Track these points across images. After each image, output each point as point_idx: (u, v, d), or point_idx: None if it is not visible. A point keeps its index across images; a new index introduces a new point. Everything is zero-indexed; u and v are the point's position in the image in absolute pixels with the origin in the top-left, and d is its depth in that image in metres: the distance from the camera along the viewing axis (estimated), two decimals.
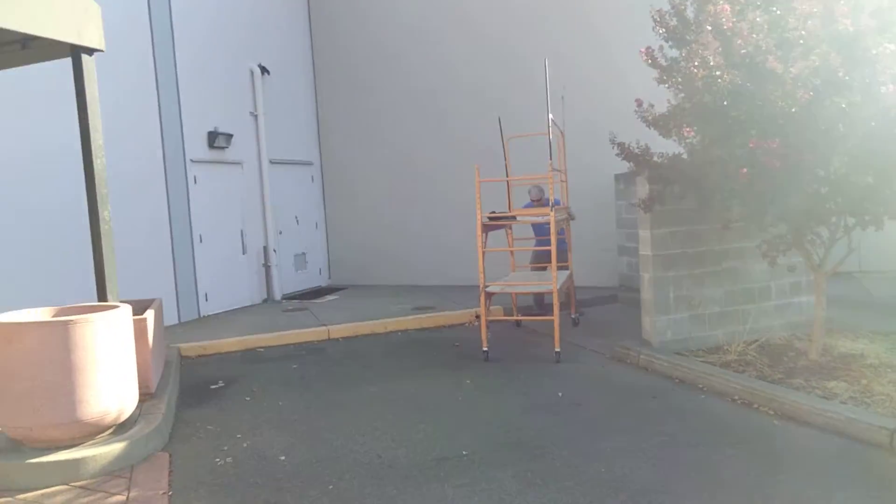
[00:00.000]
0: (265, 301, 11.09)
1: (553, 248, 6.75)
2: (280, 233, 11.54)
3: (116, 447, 4.33)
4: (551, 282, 6.83)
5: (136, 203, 8.84)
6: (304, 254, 12.21)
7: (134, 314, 4.90)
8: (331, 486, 3.95)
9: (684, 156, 6.15)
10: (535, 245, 8.60)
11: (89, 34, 4.84)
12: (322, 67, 12.57)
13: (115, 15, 8.08)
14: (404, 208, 11.82)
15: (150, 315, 5.48)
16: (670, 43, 6.30)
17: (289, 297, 11.33)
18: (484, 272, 6.76)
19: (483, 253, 6.69)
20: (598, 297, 9.65)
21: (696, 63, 5.68)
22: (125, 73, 8.69)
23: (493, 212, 7.01)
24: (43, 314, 4.62)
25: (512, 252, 8.44)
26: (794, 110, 5.05)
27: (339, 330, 8.63)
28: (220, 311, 10.18)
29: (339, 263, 12.74)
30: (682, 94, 5.96)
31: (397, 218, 11.93)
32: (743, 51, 5.26)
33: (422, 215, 11.75)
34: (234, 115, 10.56)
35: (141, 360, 5.25)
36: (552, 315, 6.81)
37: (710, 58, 5.37)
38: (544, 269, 8.37)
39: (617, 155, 6.48)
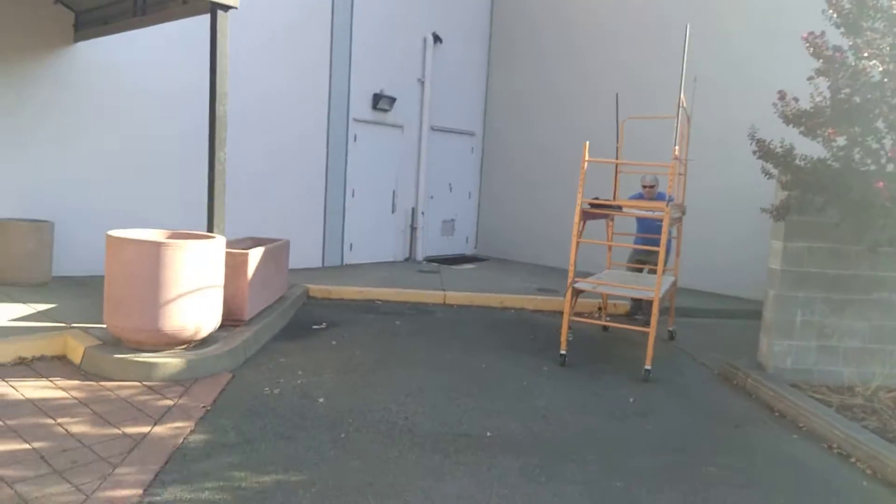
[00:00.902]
0: (407, 259, 11.57)
1: (661, 248, 5.93)
2: (431, 197, 11.91)
3: (187, 359, 4.87)
4: (652, 287, 6.13)
5: (298, 152, 9.67)
6: (452, 220, 12.48)
7: (268, 254, 5.51)
8: (343, 435, 4.11)
9: (830, 161, 5.28)
10: (637, 242, 7.76)
11: None
12: (498, 41, 12.57)
13: None
14: (556, 190, 11.52)
15: (253, 252, 6.02)
16: (842, 30, 5.39)
17: (430, 259, 11.70)
18: (575, 266, 6.10)
19: (577, 243, 6.04)
20: (740, 309, 8.74)
21: (865, 54, 4.86)
22: (305, 29, 9.46)
23: (597, 198, 6.41)
24: (152, 234, 5.29)
25: (610, 247, 7.60)
26: None
27: (456, 297, 8.76)
28: (363, 261, 10.82)
29: (487, 235, 12.85)
30: (847, 90, 5.11)
31: (548, 198, 11.68)
32: None
33: (572, 200, 11.38)
34: (401, 79, 11.01)
35: (236, 290, 5.82)
36: (647, 326, 5.94)
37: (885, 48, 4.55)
38: (641, 270, 7.68)
39: (754, 153, 5.75)
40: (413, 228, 11.62)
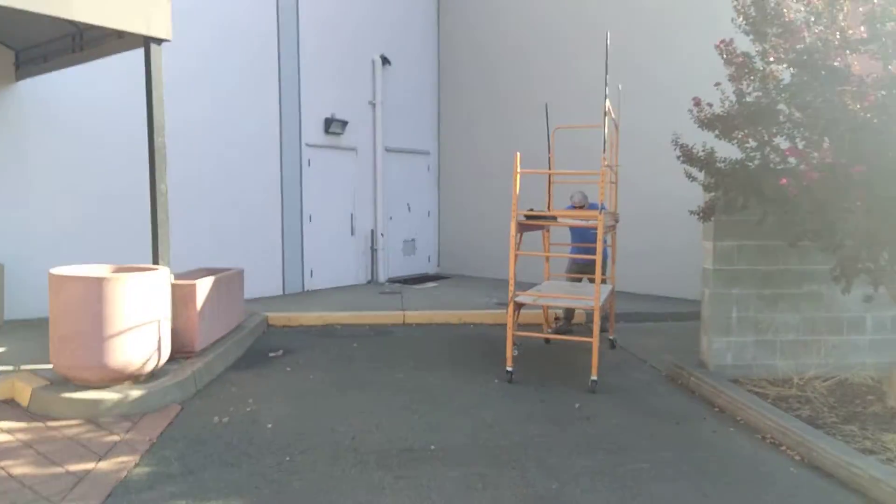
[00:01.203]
0: (369, 282, 11.67)
1: (598, 257, 6.05)
2: (391, 218, 12.05)
3: (135, 394, 4.92)
4: (591, 297, 6.16)
5: (250, 180, 9.75)
6: (413, 240, 12.63)
7: (219, 283, 5.64)
8: (287, 458, 4.19)
9: (746, 162, 5.54)
10: (572, 252, 7.92)
11: (157, 26, 5.46)
12: (448, 61, 12.84)
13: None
14: (507, 204, 11.69)
15: (201, 282, 6.09)
16: (751, 36, 5.69)
17: (393, 281, 11.82)
18: (514, 279, 6.05)
19: (515, 256, 6.01)
20: (692, 311, 8.98)
21: (772, 59, 5.15)
22: (250, 56, 9.60)
23: (532, 210, 6.53)
24: (95, 270, 5.35)
25: (547, 258, 7.78)
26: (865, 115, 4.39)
27: (415, 316, 8.89)
28: (324, 287, 10.90)
29: (448, 252, 13.01)
30: (758, 94, 5.40)
31: (501, 213, 11.82)
32: (799, 46, 4.64)
33: None
34: (351, 102, 11.18)
35: (186, 321, 5.88)
36: (590, 336, 5.91)
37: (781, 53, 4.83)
38: (580, 280, 7.83)
39: (678, 157, 6.00)
40: (374, 250, 11.74)
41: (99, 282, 4.84)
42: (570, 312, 7.93)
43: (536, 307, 6.92)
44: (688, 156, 5.90)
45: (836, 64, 4.57)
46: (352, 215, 11.42)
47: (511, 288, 6.03)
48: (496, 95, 12.04)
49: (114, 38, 5.89)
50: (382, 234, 11.78)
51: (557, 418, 5.12)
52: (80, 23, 5.21)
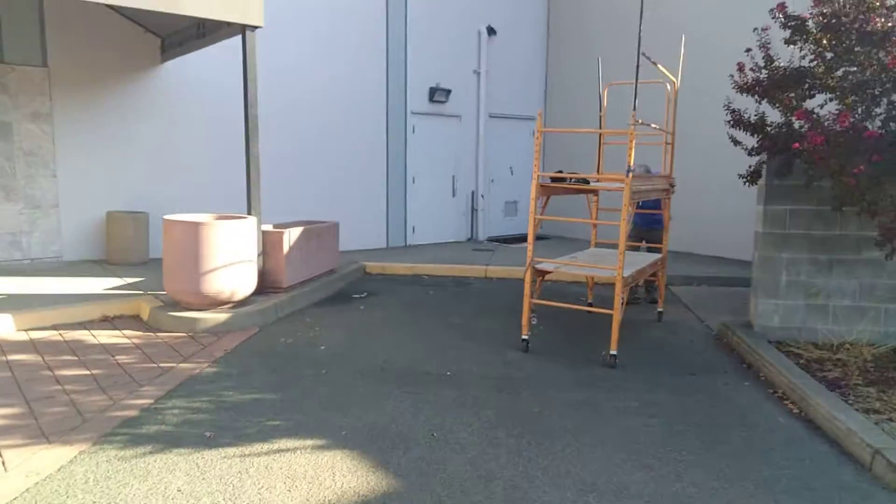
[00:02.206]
0: (468, 240, 12.39)
1: (622, 224, 5.41)
2: (492, 181, 12.64)
3: (222, 317, 6.05)
4: (615, 266, 5.53)
5: (359, 146, 10.78)
6: (515, 202, 13.12)
7: (309, 233, 6.86)
8: (324, 371, 5.06)
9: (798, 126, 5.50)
10: (632, 219, 7.49)
11: (252, 15, 6.44)
12: (556, 29, 13.02)
13: None
14: (609, 168, 11.82)
15: (288, 231, 7.12)
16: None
17: (492, 240, 12.44)
18: (533, 244, 5.69)
19: (536, 221, 5.62)
20: None
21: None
22: (360, 28, 10.54)
23: (560, 171, 6.16)
24: (198, 217, 6.51)
25: (595, 224, 7.42)
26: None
27: (496, 271, 9.49)
28: (424, 242, 11.79)
29: (551, 214, 13.33)
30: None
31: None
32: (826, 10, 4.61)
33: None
34: (456, 71, 11.82)
35: (275, 262, 6.96)
36: (613, 308, 5.45)
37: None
38: (638, 248, 7.65)
39: (727, 122, 6.04)
40: (474, 210, 12.41)
41: (196, 226, 5.97)
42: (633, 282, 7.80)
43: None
44: (738, 121, 5.93)
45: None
46: (453, 177, 12.15)
47: (529, 254, 5.73)
48: (601, 60, 12.06)
49: (224, 26, 6.96)
50: (483, 196, 12.40)
51: (574, 363, 5.54)
52: (190, 16, 6.29)
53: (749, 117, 5.89)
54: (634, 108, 5.44)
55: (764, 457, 3.85)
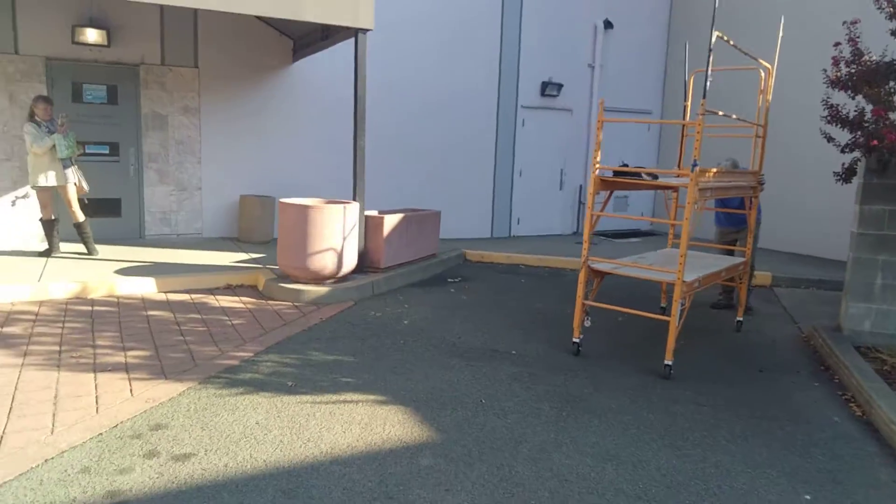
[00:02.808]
0: (574, 233, 12.54)
1: (685, 223, 4.95)
2: None
3: (323, 290, 6.79)
4: (675, 270, 5.11)
5: (469, 138, 11.30)
6: (625, 196, 13.06)
7: (409, 219, 7.64)
8: (401, 341, 5.61)
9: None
10: (718, 217, 7.38)
11: (363, 19, 7.11)
12: (677, 24, 12.77)
13: None
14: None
15: (389, 217, 7.77)
16: None
17: (599, 234, 12.50)
18: (589, 242, 5.47)
19: (593, 217, 5.37)
20: None
21: None
22: (475, 26, 11.03)
23: (625, 164, 5.84)
24: (308, 201, 7.30)
25: (672, 224, 6.78)
26: None
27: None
28: (528, 234, 12.11)
29: (664, 210, 13.15)
30: None
31: None
32: None
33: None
34: (569, 66, 11.99)
35: (375, 244, 7.63)
36: (669, 315, 5.08)
37: None
38: (731, 251, 7.27)
39: (823, 118, 5.87)
40: (581, 204, 12.53)
41: (305, 208, 6.75)
42: (725, 291, 7.43)
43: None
44: (835, 116, 5.77)
45: None
46: (562, 171, 12.34)
47: (585, 252, 5.43)
48: (717, 59, 11.71)
49: (342, 29, 7.70)
50: None
51: (639, 356, 5.70)
52: (310, 22, 7.06)
53: (847, 113, 5.70)
54: (704, 97, 5.20)
55: (802, 450, 3.91)
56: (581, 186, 12.52)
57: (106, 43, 8.62)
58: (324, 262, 6.84)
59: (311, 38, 9.14)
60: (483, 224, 11.67)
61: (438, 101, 10.88)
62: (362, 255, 7.53)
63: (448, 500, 3.16)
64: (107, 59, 8.79)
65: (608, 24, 12.16)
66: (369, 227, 7.65)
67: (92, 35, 8.48)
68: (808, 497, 3.36)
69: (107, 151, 9.00)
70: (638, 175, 5.50)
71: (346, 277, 7.23)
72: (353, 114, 7.41)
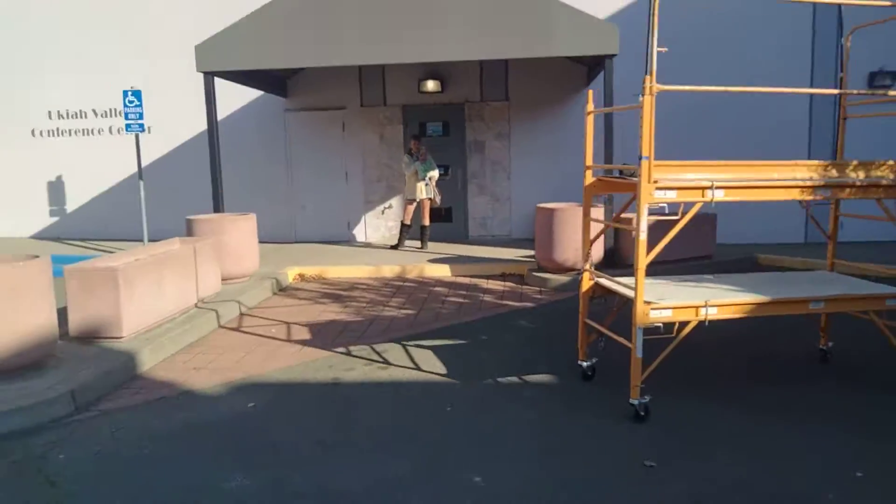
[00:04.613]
0: None
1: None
2: None
3: (562, 279, 8.03)
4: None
5: (779, 136, 10.93)
6: None
7: (667, 222, 8.36)
8: None
9: None
10: None
11: (609, 45, 8.17)
12: None
13: None
14: None
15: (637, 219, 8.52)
16: None
17: None
18: (587, 253, 4.79)
19: (589, 223, 4.71)
20: None
21: None
22: (780, 23, 10.76)
23: (626, 164, 4.98)
24: (559, 205, 8.56)
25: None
26: None
27: None
28: (856, 239, 10.94)
29: None
30: None
31: None
32: None
33: None
34: None
35: (628, 243, 8.52)
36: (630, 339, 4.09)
37: None
38: None
39: None
40: None
41: (551, 211, 8.12)
42: None
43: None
44: None
45: None
46: None
47: (586, 262, 4.82)
48: None
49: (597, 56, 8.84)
50: None
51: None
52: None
53: None
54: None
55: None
56: None
57: (440, 90, 11.34)
58: (566, 256, 8.09)
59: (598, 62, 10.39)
60: (797, 228, 11.07)
61: (742, 102, 10.86)
62: (612, 251, 8.50)
63: None
64: (441, 101, 11.53)
65: None
66: (621, 230, 8.56)
67: (431, 85, 11.29)
68: None
69: (443, 171, 11.75)
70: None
71: (583, 269, 8.31)
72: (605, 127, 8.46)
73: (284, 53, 8.61)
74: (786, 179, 4.13)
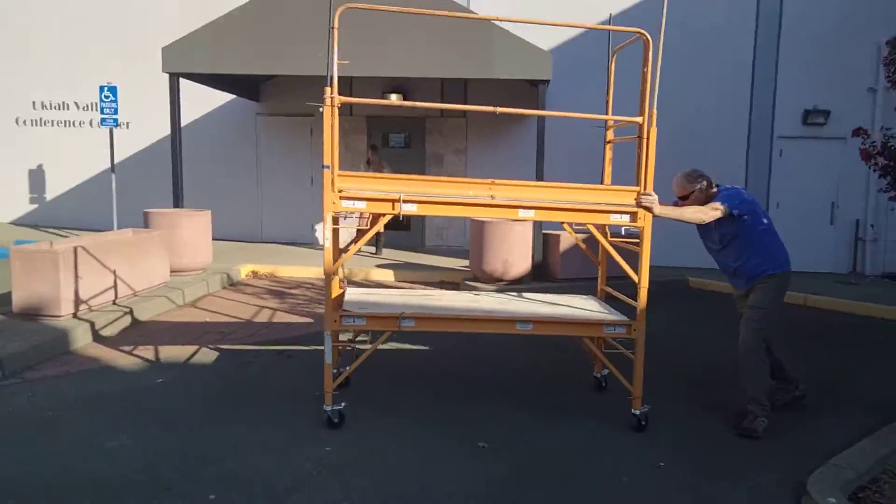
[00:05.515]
0: (850, 272, 11.44)
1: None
2: (893, 209, 11.29)
3: (491, 288, 8.62)
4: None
5: (715, 168, 11.53)
6: None
7: (563, 234, 8.88)
8: None
9: None
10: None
11: (541, 71, 8.80)
12: None
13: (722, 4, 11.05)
14: None
15: (565, 235, 9.12)
16: None
17: (889, 276, 11.19)
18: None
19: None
20: None
21: None
22: (722, 55, 11.38)
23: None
24: (491, 218, 9.17)
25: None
26: None
27: (815, 300, 9.20)
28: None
29: None
30: None
31: None
32: None
33: None
34: (839, 90, 11.20)
35: (552, 259, 9.11)
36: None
37: None
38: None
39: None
40: (860, 241, 11.38)
41: (482, 224, 8.71)
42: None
43: None
44: None
45: None
46: (832, 204, 11.45)
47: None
48: None
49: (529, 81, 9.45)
50: (872, 226, 11.25)
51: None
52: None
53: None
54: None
55: None
56: (859, 221, 11.38)
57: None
58: (494, 266, 8.69)
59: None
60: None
61: (681, 127, 11.46)
62: (539, 266, 9.09)
63: None
64: (404, 114, 12.15)
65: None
66: (549, 243, 9.16)
67: (394, 98, 11.90)
68: None
69: None
70: None
71: (519, 281, 8.90)
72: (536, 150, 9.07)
73: (241, 60, 9.20)
74: (480, 197, 4.24)
